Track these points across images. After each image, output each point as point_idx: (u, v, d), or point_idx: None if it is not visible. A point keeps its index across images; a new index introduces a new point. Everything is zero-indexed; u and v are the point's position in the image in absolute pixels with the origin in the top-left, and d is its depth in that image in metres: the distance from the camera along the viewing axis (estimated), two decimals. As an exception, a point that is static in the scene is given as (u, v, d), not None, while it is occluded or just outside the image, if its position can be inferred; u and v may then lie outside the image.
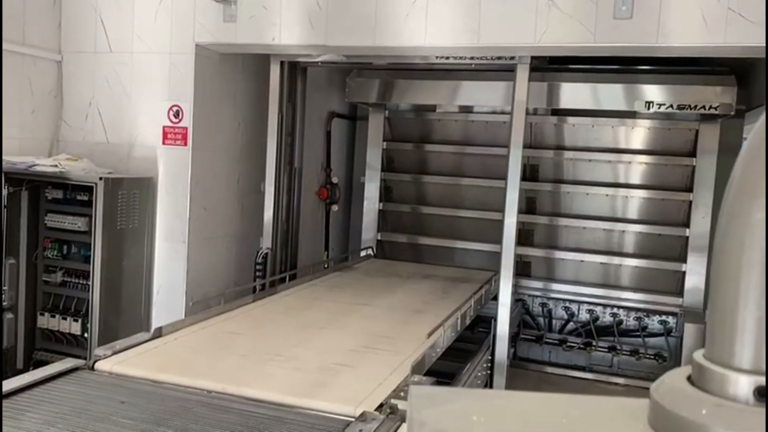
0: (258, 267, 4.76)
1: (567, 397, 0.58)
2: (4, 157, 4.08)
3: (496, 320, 4.36)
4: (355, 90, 5.56)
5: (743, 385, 0.54)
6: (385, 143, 6.03)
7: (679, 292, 5.30)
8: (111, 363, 2.52)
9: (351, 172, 6.64)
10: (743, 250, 0.54)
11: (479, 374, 4.05)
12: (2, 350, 3.98)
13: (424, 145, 6.06)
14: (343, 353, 2.88)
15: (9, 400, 2.16)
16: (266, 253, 4.81)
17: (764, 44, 3.23)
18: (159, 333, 2.90)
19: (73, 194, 4.18)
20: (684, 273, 5.25)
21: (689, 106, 4.73)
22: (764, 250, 0.53)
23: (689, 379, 0.57)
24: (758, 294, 0.53)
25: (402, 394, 2.34)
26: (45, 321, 4.28)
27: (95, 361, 2.52)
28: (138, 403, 2.21)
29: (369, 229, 6.00)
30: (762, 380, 0.54)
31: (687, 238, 5.26)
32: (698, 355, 0.58)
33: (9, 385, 2.26)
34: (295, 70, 4.98)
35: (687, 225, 5.27)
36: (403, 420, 2.13)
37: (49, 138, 4.56)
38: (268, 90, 4.82)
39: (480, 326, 4.76)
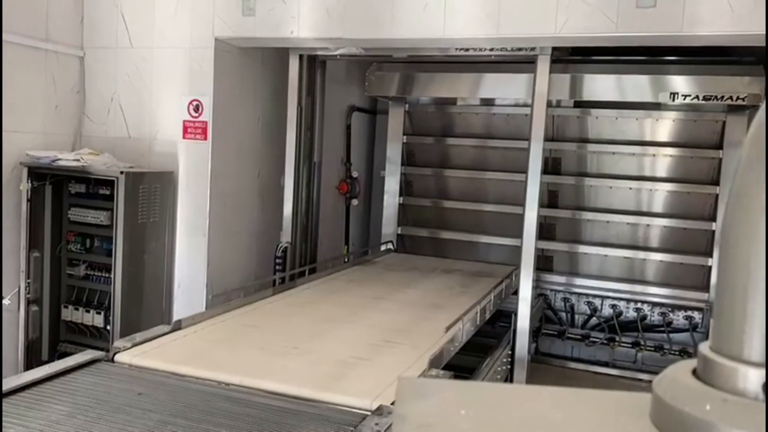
0: (278, 261, 4.77)
1: (564, 391, 0.54)
2: (28, 152, 4.15)
3: (516, 315, 4.32)
4: (374, 84, 5.53)
5: (752, 378, 0.50)
6: (405, 137, 5.99)
7: (705, 287, 5.19)
8: (130, 355, 2.55)
9: (371, 167, 6.62)
10: (753, 233, 0.50)
11: (499, 369, 4.01)
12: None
13: (444, 139, 6.01)
14: (361, 347, 2.87)
15: (30, 390, 2.20)
16: (286, 247, 4.82)
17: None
18: (178, 326, 2.92)
19: (96, 188, 4.23)
20: (710, 268, 5.14)
21: (716, 97, 4.62)
22: None
23: (695, 372, 0.53)
24: (769, 281, 0.49)
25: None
26: (69, 313, 4.35)
27: (115, 353, 2.55)
28: (155, 395, 2.22)
29: (389, 224, 5.98)
30: (772, 374, 0.50)
31: (713, 232, 5.15)
32: (704, 347, 0.54)
33: (31, 375, 2.30)
34: (314, 63, 4.97)
35: (713, 219, 5.15)
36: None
37: (72, 133, 4.61)
38: (287, 84, 4.82)
39: (501, 321, 4.72)
